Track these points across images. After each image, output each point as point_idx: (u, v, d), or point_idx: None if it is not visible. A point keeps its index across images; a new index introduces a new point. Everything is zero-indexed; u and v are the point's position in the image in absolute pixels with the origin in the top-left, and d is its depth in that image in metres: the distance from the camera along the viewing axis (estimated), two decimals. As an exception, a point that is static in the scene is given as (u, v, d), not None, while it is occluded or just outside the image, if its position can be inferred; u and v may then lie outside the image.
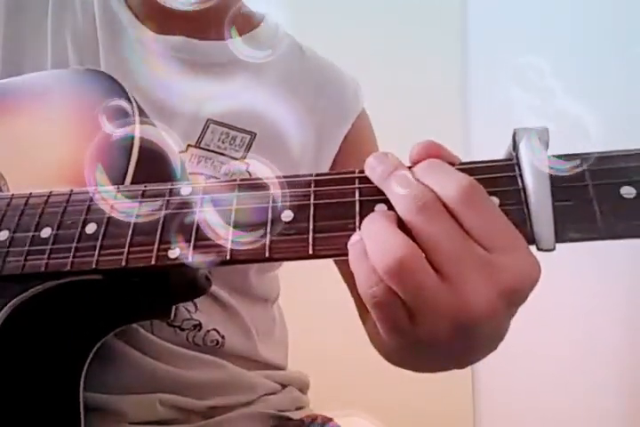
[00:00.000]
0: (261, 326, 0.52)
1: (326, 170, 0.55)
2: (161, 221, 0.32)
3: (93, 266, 0.32)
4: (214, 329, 0.48)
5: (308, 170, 0.53)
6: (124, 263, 0.31)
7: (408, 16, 1.15)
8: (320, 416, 0.50)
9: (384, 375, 0.97)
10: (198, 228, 0.31)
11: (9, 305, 0.32)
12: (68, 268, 0.32)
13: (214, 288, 0.47)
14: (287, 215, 0.30)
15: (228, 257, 0.30)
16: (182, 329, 0.47)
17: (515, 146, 0.30)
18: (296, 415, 0.51)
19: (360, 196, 0.30)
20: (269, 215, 0.30)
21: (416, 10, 1.15)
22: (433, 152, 0.29)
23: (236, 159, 0.51)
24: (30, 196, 0.36)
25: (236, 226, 0.31)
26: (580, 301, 0.76)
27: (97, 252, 0.32)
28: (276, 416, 0.49)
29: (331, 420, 0.49)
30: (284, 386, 0.52)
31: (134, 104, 0.41)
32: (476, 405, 1.06)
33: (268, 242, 0.30)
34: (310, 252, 0.29)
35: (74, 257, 0.32)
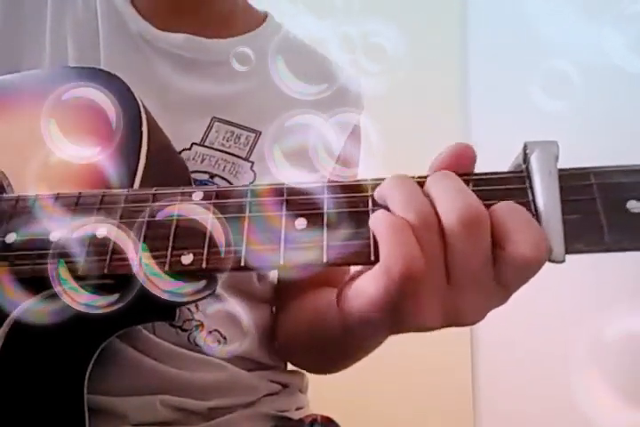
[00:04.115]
0: (262, 328, 0.52)
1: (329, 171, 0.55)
2: (174, 227, 0.32)
3: (105, 271, 0.31)
4: (216, 330, 0.48)
5: (312, 170, 0.53)
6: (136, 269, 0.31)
7: (408, 16, 1.15)
8: (320, 416, 0.50)
9: (383, 375, 0.98)
10: (211, 234, 0.31)
11: (14, 313, 0.32)
12: (79, 273, 0.32)
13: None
14: (301, 223, 0.31)
15: (242, 264, 0.30)
16: (184, 330, 0.47)
17: (525, 159, 0.31)
18: (296, 415, 0.51)
19: (373, 204, 0.31)
20: (283, 223, 0.31)
21: (417, 10, 1.15)
22: (464, 159, 0.30)
23: (240, 158, 0.51)
24: (37, 198, 0.35)
25: (250, 233, 0.31)
26: (582, 301, 0.78)
27: (108, 257, 0.32)
28: (276, 417, 0.50)
29: (331, 420, 0.50)
30: (284, 386, 0.52)
31: (140, 104, 0.41)
32: (475, 404, 1.07)
33: (282, 250, 0.30)
34: (324, 260, 0.29)
35: (84, 262, 0.32)
